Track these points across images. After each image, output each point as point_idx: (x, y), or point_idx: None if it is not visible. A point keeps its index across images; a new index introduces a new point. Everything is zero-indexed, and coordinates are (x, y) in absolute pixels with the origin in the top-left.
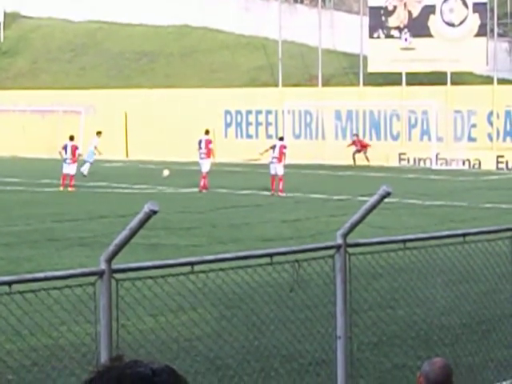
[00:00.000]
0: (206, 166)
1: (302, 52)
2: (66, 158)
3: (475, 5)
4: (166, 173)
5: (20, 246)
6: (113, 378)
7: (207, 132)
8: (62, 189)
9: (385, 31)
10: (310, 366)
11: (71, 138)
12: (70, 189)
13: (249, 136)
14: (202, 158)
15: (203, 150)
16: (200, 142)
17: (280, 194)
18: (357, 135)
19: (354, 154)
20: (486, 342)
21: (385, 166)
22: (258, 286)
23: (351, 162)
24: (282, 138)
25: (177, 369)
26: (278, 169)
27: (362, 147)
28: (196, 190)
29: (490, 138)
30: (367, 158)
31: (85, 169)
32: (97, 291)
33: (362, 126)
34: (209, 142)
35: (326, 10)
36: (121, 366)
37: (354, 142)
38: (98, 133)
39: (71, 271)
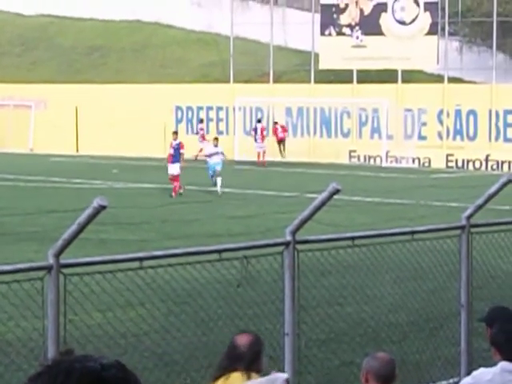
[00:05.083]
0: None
1: (254, 48)
2: None
3: (426, 3)
4: (114, 171)
5: None
6: (61, 371)
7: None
8: None
9: (336, 29)
10: None
11: None
12: None
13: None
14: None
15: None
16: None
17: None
18: (276, 123)
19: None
20: (433, 340)
21: (335, 163)
22: (207, 282)
23: (304, 159)
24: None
25: (125, 364)
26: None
27: (279, 140)
28: (146, 185)
29: (440, 137)
30: (281, 153)
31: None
32: (45, 286)
33: (312, 122)
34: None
35: (278, 6)
36: (70, 360)
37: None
38: (215, 139)
39: (19, 266)
